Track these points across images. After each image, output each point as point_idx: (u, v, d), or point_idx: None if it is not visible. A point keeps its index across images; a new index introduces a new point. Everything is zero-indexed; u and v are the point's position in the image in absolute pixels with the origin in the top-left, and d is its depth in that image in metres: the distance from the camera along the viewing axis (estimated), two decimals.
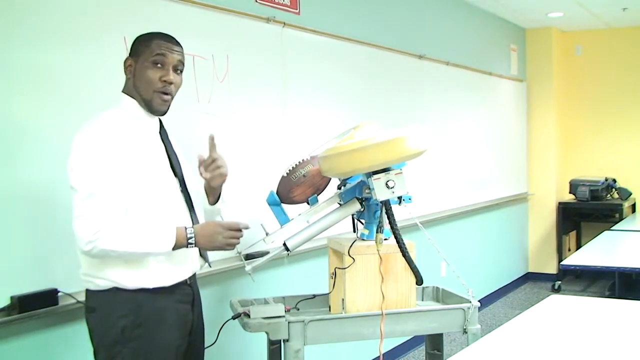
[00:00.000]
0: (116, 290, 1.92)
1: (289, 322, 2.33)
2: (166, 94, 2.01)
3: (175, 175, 2.07)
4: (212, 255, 2.24)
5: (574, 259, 4.34)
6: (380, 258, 2.42)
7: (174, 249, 1.93)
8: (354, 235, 2.58)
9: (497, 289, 6.21)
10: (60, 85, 2.28)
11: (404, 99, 4.49)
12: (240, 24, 3.09)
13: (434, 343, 2.80)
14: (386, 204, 2.38)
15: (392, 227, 2.40)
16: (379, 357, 2.38)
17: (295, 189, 2.51)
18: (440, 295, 2.78)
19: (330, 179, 2.56)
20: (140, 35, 2.04)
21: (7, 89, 2.15)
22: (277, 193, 2.53)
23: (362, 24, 4.08)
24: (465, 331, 2.47)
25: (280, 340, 2.45)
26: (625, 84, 6.78)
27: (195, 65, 2.81)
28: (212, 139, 2.10)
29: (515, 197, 6.52)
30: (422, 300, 2.79)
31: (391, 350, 4.33)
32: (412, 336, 4.15)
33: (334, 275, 2.57)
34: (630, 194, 6.70)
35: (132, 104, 2.02)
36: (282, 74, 3.34)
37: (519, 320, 2.30)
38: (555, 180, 6.90)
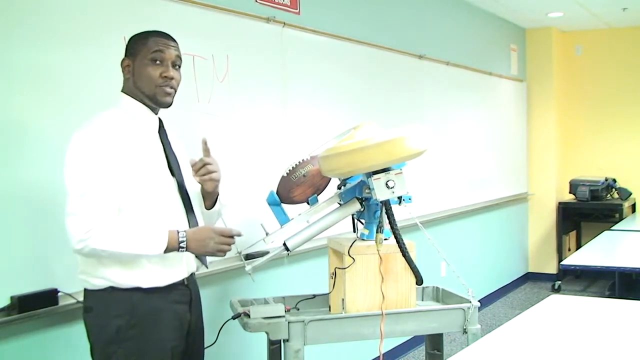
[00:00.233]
0: (112, 290, 1.93)
1: (289, 322, 2.33)
2: (169, 87, 2.02)
3: (173, 175, 2.06)
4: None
5: (574, 259, 4.34)
6: (380, 258, 2.42)
7: (165, 252, 1.93)
8: (354, 235, 2.58)
9: (497, 289, 6.21)
10: (60, 85, 2.28)
11: (404, 99, 4.49)
12: (240, 24, 3.09)
13: (434, 343, 2.80)
14: (386, 204, 2.38)
15: (392, 227, 2.40)
16: (379, 357, 2.38)
17: (295, 189, 2.51)
18: (440, 295, 2.78)
19: (330, 179, 2.56)
20: (135, 35, 2.04)
21: (7, 89, 2.15)
22: (277, 193, 2.53)
23: (362, 24, 4.08)
24: (465, 331, 2.47)
25: (280, 340, 2.45)
26: (625, 84, 6.78)
27: (195, 65, 2.81)
28: (204, 142, 2.09)
29: (515, 197, 6.52)
30: (422, 300, 2.79)
31: (391, 350, 4.33)
32: (412, 336, 4.15)
33: (334, 275, 2.57)
34: (630, 194, 6.70)
35: (132, 104, 2.02)
36: (282, 74, 3.34)
37: (519, 320, 2.30)
38: (555, 180, 6.90)
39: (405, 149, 2.18)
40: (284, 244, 2.41)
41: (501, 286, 6.33)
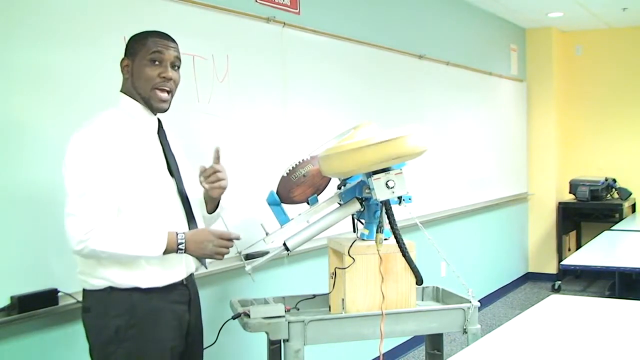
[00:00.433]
0: (111, 290, 1.93)
1: (289, 322, 2.33)
2: (165, 90, 2.00)
3: (172, 176, 2.06)
4: None
5: (574, 259, 4.34)
6: (380, 258, 2.42)
7: (164, 253, 1.93)
8: (354, 235, 2.58)
9: (497, 289, 6.21)
10: (60, 85, 2.28)
11: (404, 99, 4.49)
12: (240, 24, 3.09)
13: (434, 343, 2.80)
14: (386, 204, 2.38)
15: (392, 227, 2.40)
16: (379, 357, 2.38)
17: (295, 189, 2.51)
18: (440, 295, 2.78)
19: (330, 179, 2.56)
20: (135, 35, 2.04)
21: (7, 89, 2.15)
22: (277, 193, 2.53)
23: (362, 24, 4.08)
24: (465, 331, 2.47)
25: (280, 340, 2.45)
26: (625, 84, 6.78)
27: (195, 65, 2.81)
28: (217, 151, 2.10)
29: (515, 197, 6.52)
30: (422, 300, 2.79)
31: (391, 350, 4.33)
32: (412, 336, 4.15)
33: (334, 275, 2.57)
34: (630, 194, 6.70)
35: (131, 104, 2.01)
36: (282, 74, 3.34)
37: (519, 320, 2.30)
38: (555, 180, 6.90)
39: (405, 148, 2.18)
40: (284, 244, 2.41)
41: (501, 286, 6.33)
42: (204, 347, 2.25)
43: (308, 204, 2.53)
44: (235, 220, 2.45)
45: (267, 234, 2.42)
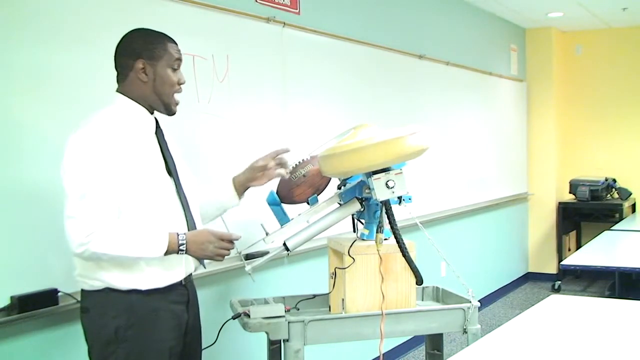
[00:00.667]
0: (109, 291, 1.92)
1: (289, 322, 2.33)
2: (178, 95, 2.08)
3: (170, 175, 2.06)
4: None
5: (574, 259, 4.34)
6: (380, 258, 2.42)
7: (165, 254, 1.93)
8: (354, 235, 2.58)
9: (497, 289, 6.21)
10: (59, 85, 2.28)
11: (404, 99, 4.49)
12: (240, 24, 3.09)
13: (434, 343, 2.80)
14: (386, 204, 2.38)
15: (392, 227, 2.40)
16: (379, 357, 2.38)
17: (295, 189, 2.51)
18: (440, 295, 2.78)
19: (330, 179, 2.56)
20: (145, 35, 2.02)
21: (6, 89, 2.15)
22: (277, 193, 2.52)
23: (362, 24, 4.08)
24: (465, 331, 2.47)
25: (280, 340, 2.45)
26: (625, 84, 6.78)
27: (195, 65, 2.81)
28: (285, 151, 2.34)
29: (515, 197, 6.52)
30: (422, 300, 2.79)
31: (391, 350, 4.33)
32: (412, 336, 4.15)
33: (334, 275, 2.56)
34: (630, 194, 6.70)
35: (128, 104, 2.00)
36: (282, 74, 3.34)
37: (519, 320, 2.30)
38: (555, 180, 6.89)
39: (405, 148, 2.18)
40: (284, 244, 2.41)
41: (501, 286, 6.33)
42: (204, 347, 2.25)
43: (308, 204, 2.53)
44: (236, 220, 2.45)
45: (267, 234, 2.42)
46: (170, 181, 2.05)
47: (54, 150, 2.09)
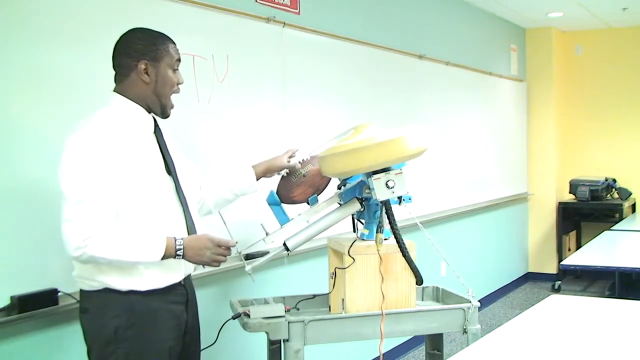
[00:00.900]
0: (109, 291, 1.92)
1: (289, 322, 2.33)
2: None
3: (170, 174, 2.06)
4: None
5: (574, 259, 4.34)
6: (380, 258, 2.42)
7: (162, 259, 1.93)
8: (354, 235, 2.58)
9: (497, 289, 6.21)
10: (59, 85, 2.28)
11: (404, 99, 4.49)
12: (240, 24, 3.09)
13: (434, 343, 2.80)
14: (386, 204, 2.38)
15: (392, 227, 2.40)
16: (379, 357, 2.38)
17: (295, 189, 2.51)
18: (440, 295, 2.78)
19: (330, 179, 2.56)
20: (147, 36, 2.01)
21: (6, 89, 2.15)
22: (277, 193, 2.52)
23: (362, 24, 4.08)
24: (465, 331, 2.47)
25: (280, 340, 2.45)
26: (625, 84, 6.78)
27: (195, 65, 2.81)
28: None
29: (515, 197, 6.52)
30: (422, 300, 2.79)
31: (391, 350, 4.33)
32: (412, 336, 4.15)
33: (334, 275, 2.56)
34: (630, 194, 6.70)
35: (127, 104, 2.00)
36: (282, 74, 3.34)
37: (519, 320, 2.30)
38: (555, 180, 6.89)
39: (405, 148, 2.18)
40: (284, 244, 2.41)
41: (501, 286, 6.33)
42: (204, 347, 2.25)
43: (308, 204, 2.53)
44: (236, 220, 2.45)
45: (267, 234, 2.42)
46: (169, 180, 2.05)
47: (53, 150, 2.09)
